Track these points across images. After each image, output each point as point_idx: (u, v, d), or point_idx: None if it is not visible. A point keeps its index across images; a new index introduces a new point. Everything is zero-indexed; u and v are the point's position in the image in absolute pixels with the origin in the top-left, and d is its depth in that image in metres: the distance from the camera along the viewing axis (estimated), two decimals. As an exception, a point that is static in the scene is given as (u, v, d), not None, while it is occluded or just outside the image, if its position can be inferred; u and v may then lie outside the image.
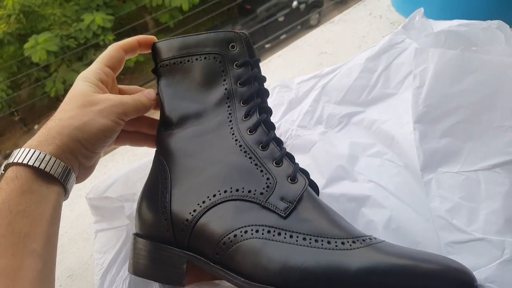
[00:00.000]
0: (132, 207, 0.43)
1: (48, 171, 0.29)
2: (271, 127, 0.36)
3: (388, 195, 0.38)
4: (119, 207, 0.45)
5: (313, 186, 0.35)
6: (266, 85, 0.40)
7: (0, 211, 0.27)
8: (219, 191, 0.32)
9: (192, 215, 0.32)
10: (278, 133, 0.48)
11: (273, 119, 0.50)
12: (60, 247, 0.50)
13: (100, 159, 0.58)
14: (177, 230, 0.33)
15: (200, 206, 0.32)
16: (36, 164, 0.29)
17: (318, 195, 0.35)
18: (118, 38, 4.38)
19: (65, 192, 0.32)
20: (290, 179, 0.32)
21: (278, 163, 0.33)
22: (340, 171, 0.42)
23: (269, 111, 0.37)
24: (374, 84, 0.47)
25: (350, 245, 0.28)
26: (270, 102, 0.50)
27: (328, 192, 0.40)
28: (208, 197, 0.32)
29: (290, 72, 0.55)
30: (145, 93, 0.38)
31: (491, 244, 0.29)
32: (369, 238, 0.29)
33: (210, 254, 0.31)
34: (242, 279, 0.29)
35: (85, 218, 0.51)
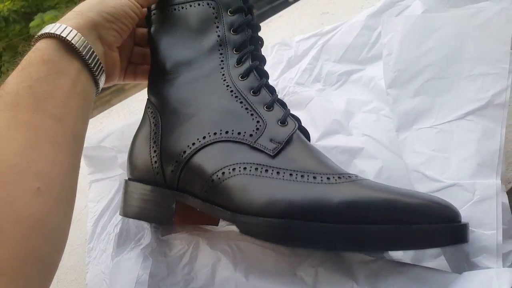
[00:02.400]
0: (125, 157, 0.43)
1: (67, 39, 0.30)
2: (263, 74, 0.36)
3: (381, 148, 0.38)
4: (112, 157, 0.45)
5: (304, 133, 0.35)
6: (266, 43, 0.39)
7: (20, 76, 0.27)
8: (209, 133, 0.32)
9: (182, 156, 0.33)
10: (276, 90, 0.48)
11: (271, 77, 0.49)
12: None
13: (95, 116, 0.58)
14: (167, 171, 0.34)
15: (190, 148, 0.32)
16: (57, 32, 0.30)
17: (309, 142, 0.34)
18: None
19: (91, 75, 0.32)
20: (280, 122, 0.32)
21: (269, 107, 0.33)
22: (335, 125, 0.41)
23: (262, 59, 0.37)
24: (375, 42, 0.46)
25: (335, 180, 0.28)
26: (269, 60, 0.50)
27: (322, 144, 0.40)
28: (198, 139, 0.33)
29: (290, 33, 0.54)
30: None
31: (463, 188, 0.29)
32: (355, 176, 0.29)
33: (199, 192, 0.31)
34: (229, 212, 0.29)
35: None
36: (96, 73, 0.32)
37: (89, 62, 0.31)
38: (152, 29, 0.38)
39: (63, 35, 0.30)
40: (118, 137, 0.46)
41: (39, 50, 0.29)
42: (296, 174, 0.28)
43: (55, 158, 0.26)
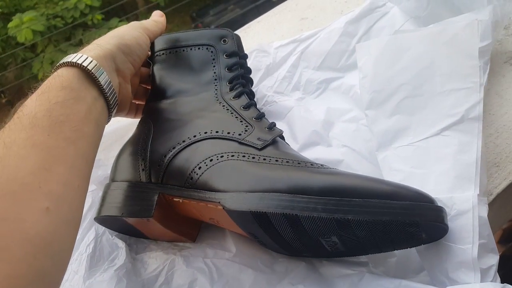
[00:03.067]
0: (97, 172, 0.42)
1: (88, 68, 0.31)
2: (252, 95, 0.41)
3: (361, 159, 0.37)
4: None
5: None
6: (244, 49, 0.42)
7: (40, 99, 0.28)
8: (199, 132, 0.34)
9: (171, 151, 0.34)
10: (254, 99, 0.47)
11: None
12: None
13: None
14: (154, 166, 0.34)
15: (179, 144, 0.34)
16: (78, 62, 0.31)
17: None
18: (106, 16, 4.26)
19: (106, 103, 0.33)
20: (267, 128, 0.35)
21: (258, 118, 0.36)
22: (315, 136, 0.41)
23: (252, 93, 0.40)
24: (354, 49, 0.45)
25: (318, 167, 0.30)
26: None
27: (301, 156, 0.39)
28: (188, 137, 0.34)
29: (269, 38, 0.53)
30: (154, 14, 0.43)
31: (441, 202, 0.29)
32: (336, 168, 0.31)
33: (184, 183, 0.32)
34: (216, 192, 0.30)
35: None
36: (111, 102, 0.33)
37: (106, 91, 0.33)
38: (156, 66, 0.41)
39: (84, 64, 0.31)
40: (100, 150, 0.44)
41: (59, 77, 0.31)
42: (282, 160, 0.31)
43: (66, 179, 0.27)
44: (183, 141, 0.34)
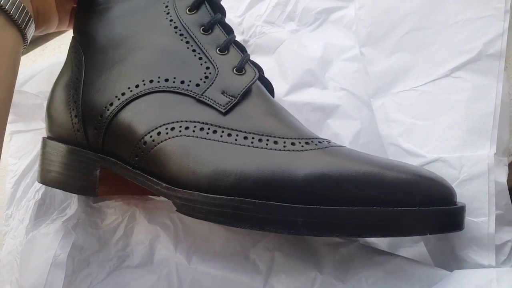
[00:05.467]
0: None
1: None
2: (218, 9, 0.29)
3: (361, 106, 0.31)
4: (38, 105, 0.37)
5: (268, 86, 0.28)
6: None
7: None
8: (143, 80, 0.26)
9: (108, 110, 0.26)
10: (239, 29, 0.40)
11: (235, 12, 0.41)
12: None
13: (28, 53, 0.49)
14: (90, 128, 0.27)
15: (119, 99, 0.26)
16: None
17: (273, 98, 0.28)
18: None
19: (23, 38, 0.26)
20: (236, 70, 0.26)
21: (223, 50, 0.27)
22: (308, 76, 0.34)
23: (219, 6, 0.29)
24: (363, -27, 0.38)
25: (302, 146, 0.22)
26: (234, -9, 0.41)
27: (290, 100, 0.33)
28: (129, 88, 0.26)
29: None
30: None
31: (447, 164, 0.24)
32: (327, 141, 0.23)
33: (128, 157, 0.25)
34: (164, 185, 0.23)
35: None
36: (22, 26, 0.26)
37: (26, 27, 0.26)
38: None
39: None
40: (46, 80, 0.38)
41: None
42: (253, 137, 0.23)
43: None
44: (122, 94, 0.26)
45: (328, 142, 0.23)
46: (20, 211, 0.32)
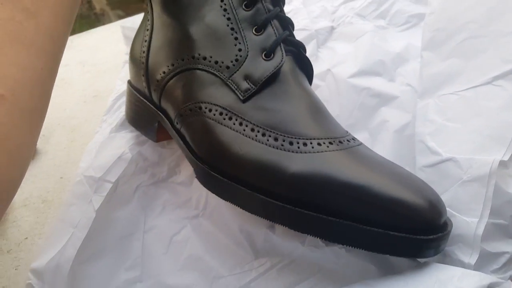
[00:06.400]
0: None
1: None
2: None
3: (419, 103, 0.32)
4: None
5: (307, 65, 0.29)
6: None
7: None
8: (188, 55, 0.28)
9: (162, 76, 0.30)
10: (331, 18, 0.42)
11: (333, 3, 0.44)
12: (87, 74, 0.53)
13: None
14: (152, 87, 0.31)
15: (169, 68, 0.29)
16: None
17: (310, 83, 0.29)
18: None
19: None
20: (265, 55, 0.26)
21: (259, 30, 0.27)
22: (379, 66, 0.36)
23: None
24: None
25: (299, 148, 0.23)
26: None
27: (353, 82, 0.35)
28: (177, 59, 0.29)
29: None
30: None
31: (457, 164, 0.24)
32: (348, 140, 0.24)
33: (173, 119, 0.29)
34: (187, 151, 0.27)
35: (120, 49, 0.52)
36: None
37: None
38: None
39: None
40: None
41: None
42: (258, 131, 0.24)
43: (25, 60, 0.21)
44: (172, 65, 0.28)
45: (349, 141, 0.24)
46: (112, 117, 0.40)
